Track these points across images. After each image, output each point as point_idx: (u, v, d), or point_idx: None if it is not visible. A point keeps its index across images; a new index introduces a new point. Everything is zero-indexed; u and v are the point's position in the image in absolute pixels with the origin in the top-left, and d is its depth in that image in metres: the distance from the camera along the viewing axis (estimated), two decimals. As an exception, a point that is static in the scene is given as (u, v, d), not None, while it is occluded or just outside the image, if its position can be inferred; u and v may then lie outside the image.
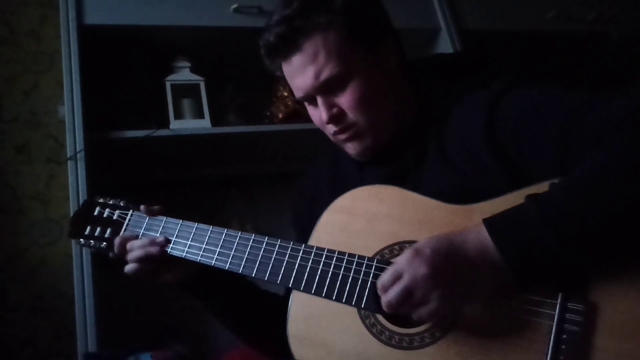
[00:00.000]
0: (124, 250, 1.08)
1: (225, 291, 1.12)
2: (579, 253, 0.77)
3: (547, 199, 0.79)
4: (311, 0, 0.99)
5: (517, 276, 0.78)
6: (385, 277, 0.82)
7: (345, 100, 1.01)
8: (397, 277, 0.81)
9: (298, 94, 1.05)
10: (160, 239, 1.08)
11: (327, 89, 1.01)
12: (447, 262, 0.79)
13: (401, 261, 0.82)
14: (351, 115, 1.02)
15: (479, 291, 0.81)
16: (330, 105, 1.02)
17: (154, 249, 1.06)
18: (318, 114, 1.04)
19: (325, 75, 0.99)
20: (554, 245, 0.75)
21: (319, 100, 1.02)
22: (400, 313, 0.83)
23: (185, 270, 1.09)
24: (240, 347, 1.43)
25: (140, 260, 1.06)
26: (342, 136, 1.04)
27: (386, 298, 0.81)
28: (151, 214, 1.12)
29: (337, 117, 1.02)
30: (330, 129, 1.04)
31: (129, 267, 1.07)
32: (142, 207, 1.13)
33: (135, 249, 1.07)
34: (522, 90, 0.96)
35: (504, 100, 0.95)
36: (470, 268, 0.79)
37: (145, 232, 1.11)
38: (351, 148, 1.06)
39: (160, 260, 1.07)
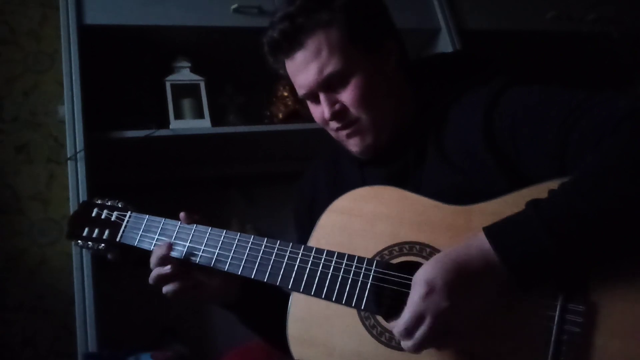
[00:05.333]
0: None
1: (266, 305, 1.10)
2: (578, 254, 0.77)
3: (546, 202, 0.79)
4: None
5: (518, 278, 0.78)
6: (406, 321, 0.80)
7: (347, 96, 1.01)
8: (419, 319, 0.79)
9: (301, 91, 1.05)
10: (164, 251, 1.03)
11: (329, 85, 1.01)
12: (462, 288, 0.79)
13: (416, 300, 0.79)
14: (353, 111, 1.02)
15: (488, 299, 0.81)
16: (332, 102, 1.02)
17: (164, 270, 1.02)
18: (320, 111, 1.04)
19: (328, 70, 0.99)
20: (553, 247, 0.75)
21: (322, 96, 1.03)
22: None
23: (225, 287, 1.07)
24: (240, 347, 1.43)
25: (156, 282, 1.03)
26: (344, 132, 1.05)
27: (414, 342, 0.79)
28: (191, 222, 1.09)
29: (339, 114, 1.03)
30: (333, 125, 1.05)
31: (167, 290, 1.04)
32: (181, 214, 1.09)
33: (152, 271, 1.04)
34: (521, 89, 0.96)
35: (502, 99, 0.95)
36: (480, 286, 0.79)
37: (143, 234, 1.11)
38: (353, 145, 1.06)
39: (181, 273, 1.03)
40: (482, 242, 0.79)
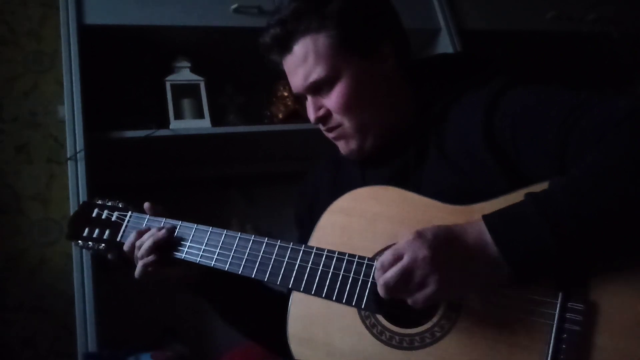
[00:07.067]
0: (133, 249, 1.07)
1: (229, 289, 1.12)
2: (577, 251, 0.77)
3: (546, 197, 0.79)
4: (305, 5, 1.02)
5: (515, 272, 0.78)
6: (385, 256, 0.82)
7: (331, 102, 1.03)
8: (397, 258, 0.81)
9: (294, 91, 1.08)
10: (168, 225, 1.08)
11: (315, 90, 1.04)
12: (447, 247, 0.80)
13: (402, 242, 0.82)
14: (336, 117, 1.05)
15: (475, 282, 0.81)
16: (317, 106, 1.05)
17: (161, 233, 1.05)
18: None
19: (313, 77, 1.02)
20: (552, 243, 0.75)
21: (309, 100, 1.06)
22: (395, 297, 0.82)
23: (187, 270, 1.09)
24: (240, 347, 1.43)
25: (151, 250, 1.04)
26: (330, 135, 1.08)
27: (384, 278, 0.81)
28: (154, 213, 1.12)
29: (323, 118, 1.06)
30: (321, 127, 1.08)
31: (138, 267, 1.06)
32: (146, 204, 1.13)
33: (145, 241, 1.05)
34: (521, 89, 0.96)
35: (502, 99, 0.96)
36: (468, 257, 0.80)
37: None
38: (340, 147, 1.09)
39: (165, 252, 1.06)
40: (480, 227, 0.80)
